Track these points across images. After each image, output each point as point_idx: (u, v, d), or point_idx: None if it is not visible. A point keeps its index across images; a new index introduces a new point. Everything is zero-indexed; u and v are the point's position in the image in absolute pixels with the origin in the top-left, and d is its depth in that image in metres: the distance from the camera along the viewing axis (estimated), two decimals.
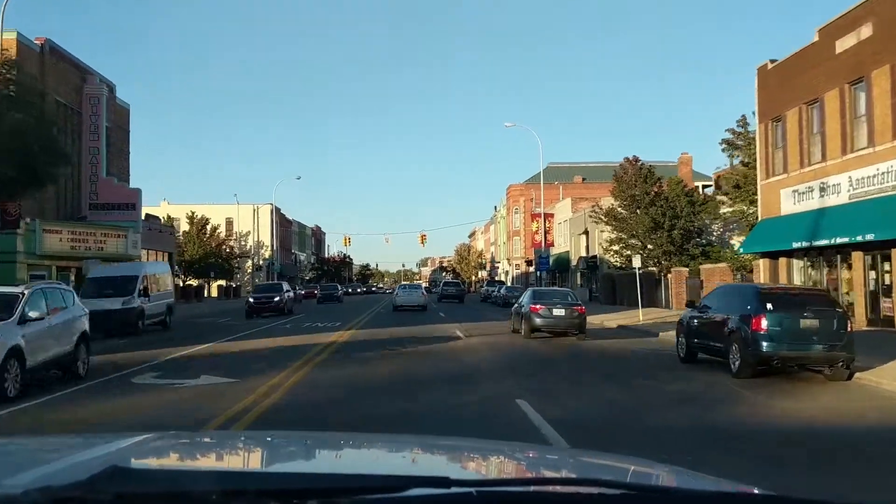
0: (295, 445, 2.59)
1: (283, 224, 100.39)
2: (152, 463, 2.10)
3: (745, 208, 31.96)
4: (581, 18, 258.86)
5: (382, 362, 16.07)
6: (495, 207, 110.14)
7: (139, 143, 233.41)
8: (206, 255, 75.26)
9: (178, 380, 13.19)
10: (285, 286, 40.16)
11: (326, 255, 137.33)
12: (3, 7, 23.22)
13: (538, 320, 21.45)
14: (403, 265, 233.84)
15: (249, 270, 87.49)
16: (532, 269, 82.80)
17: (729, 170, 34.86)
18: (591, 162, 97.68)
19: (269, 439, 2.87)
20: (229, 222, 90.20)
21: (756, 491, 1.69)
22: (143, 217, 45.80)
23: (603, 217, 47.08)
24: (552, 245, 57.36)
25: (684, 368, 15.42)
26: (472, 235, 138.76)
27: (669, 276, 41.11)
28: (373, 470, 2.08)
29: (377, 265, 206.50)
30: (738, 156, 33.36)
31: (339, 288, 67.99)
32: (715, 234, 45.78)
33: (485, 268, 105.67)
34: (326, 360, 16.43)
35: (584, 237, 58.80)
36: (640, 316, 28.90)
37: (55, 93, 35.85)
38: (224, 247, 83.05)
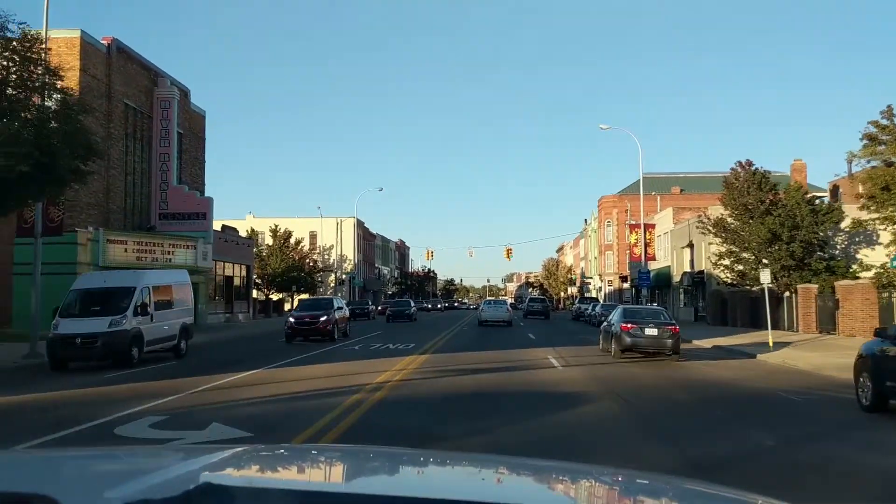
0: (381, 463, 2.53)
1: (366, 237, 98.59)
2: (243, 479, 2.10)
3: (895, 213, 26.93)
4: (669, 29, 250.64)
5: (455, 421, 10.89)
6: (585, 221, 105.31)
7: (226, 156, 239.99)
8: (288, 268, 73.70)
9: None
10: (337, 302, 31.93)
11: (410, 270, 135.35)
12: (47, 2, 20.94)
13: (629, 339, 20.50)
14: (488, 280, 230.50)
15: (332, 284, 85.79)
16: (626, 285, 77.78)
17: (868, 170, 29.75)
18: (689, 172, 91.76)
19: (358, 456, 2.81)
20: (313, 236, 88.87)
21: None
22: (216, 227, 43.93)
23: (711, 228, 42.33)
24: (653, 259, 52.53)
25: (873, 421, 11.19)
26: (559, 250, 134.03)
27: (792, 294, 36.02)
28: (461, 494, 2.01)
29: (461, 280, 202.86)
30: (876, 157, 28.40)
31: (412, 304, 57.22)
32: (839, 246, 40.35)
33: (574, 284, 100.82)
34: (371, 412, 11.42)
35: (687, 251, 53.75)
36: (770, 339, 24.25)
37: (122, 96, 34.11)
38: (307, 260, 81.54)
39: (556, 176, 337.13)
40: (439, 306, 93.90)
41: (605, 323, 24.45)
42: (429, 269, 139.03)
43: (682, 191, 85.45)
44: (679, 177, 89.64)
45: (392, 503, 1.55)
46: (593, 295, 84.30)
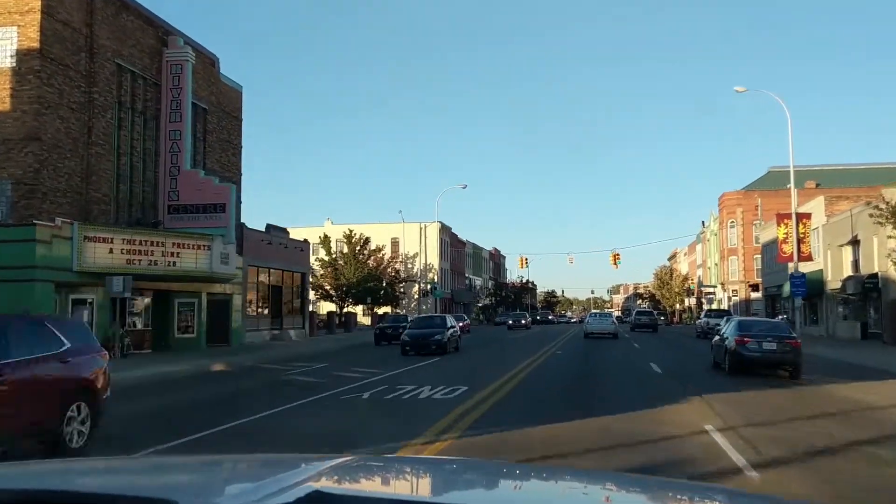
0: (485, 476, 2.55)
1: (454, 244, 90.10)
2: (350, 488, 2.15)
3: None
4: (802, 22, 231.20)
5: None
6: (703, 223, 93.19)
7: (304, 158, 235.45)
8: (364, 278, 66.00)
9: None
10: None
11: (506, 281, 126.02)
12: None
13: (745, 355, 18.95)
14: (592, 292, 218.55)
15: (416, 296, 77.74)
16: (757, 294, 65.86)
17: None
18: (826, 165, 78.53)
19: (464, 468, 2.84)
20: (395, 243, 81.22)
21: None
22: (259, 227, 36.25)
23: (891, 216, 31.53)
24: (808, 259, 41.42)
25: None
26: (672, 258, 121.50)
27: None
28: None
29: (563, 292, 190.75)
30: None
31: (449, 323, 31.50)
32: None
33: (692, 294, 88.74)
34: None
35: (848, 249, 42.29)
36: None
37: (114, 54, 26.68)
38: (388, 269, 73.77)
39: (668, 174, 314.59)
40: (524, 321, 64.33)
41: (716, 337, 22.49)
42: (526, 280, 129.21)
43: (818, 185, 72.74)
44: (814, 170, 76.63)
45: None
46: (717, 306, 72.42)
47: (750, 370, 18.89)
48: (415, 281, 72.59)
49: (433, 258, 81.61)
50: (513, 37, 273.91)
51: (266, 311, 38.62)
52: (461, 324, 44.93)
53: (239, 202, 31.96)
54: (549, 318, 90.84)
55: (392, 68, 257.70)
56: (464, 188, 61.84)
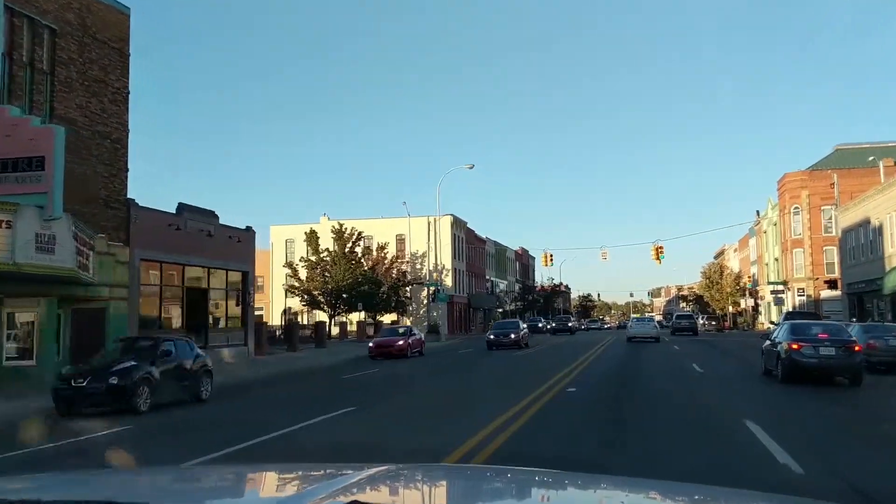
0: (521, 484, 2.60)
1: (471, 242, 79.31)
2: (388, 499, 2.19)
3: None
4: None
5: None
6: (757, 213, 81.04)
7: (299, 153, 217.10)
8: (359, 281, 55.66)
9: None
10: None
11: (536, 284, 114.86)
12: None
13: (800, 361, 17.02)
14: (632, 295, 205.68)
15: (426, 301, 67.22)
16: (835, 292, 53.96)
17: None
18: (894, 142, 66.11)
19: (498, 476, 2.89)
20: (400, 240, 70.80)
21: None
22: (126, 195, 26.13)
23: None
24: None
25: None
26: (719, 255, 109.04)
27: None
28: None
29: (598, 295, 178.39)
30: None
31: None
32: None
33: (747, 294, 76.60)
34: None
35: None
36: None
37: None
38: (393, 270, 63.42)
39: (714, 160, 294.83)
40: (515, 335, 39.19)
41: (766, 343, 20.06)
42: (558, 283, 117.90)
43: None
44: (887, 147, 64.30)
45: None
46: (787, 307, 60.35)
47: (805, 378, 17.14)
48: (423, 284, 61.87)
49: (445, 257, 70.94)
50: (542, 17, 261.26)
51: (180, 325, 28.35)
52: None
53: (124, 169, 21.62)
54: (569, 324, 70.61)
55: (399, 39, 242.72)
56: (470, 168, 51.04)
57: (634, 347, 36.31)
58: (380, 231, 71.02)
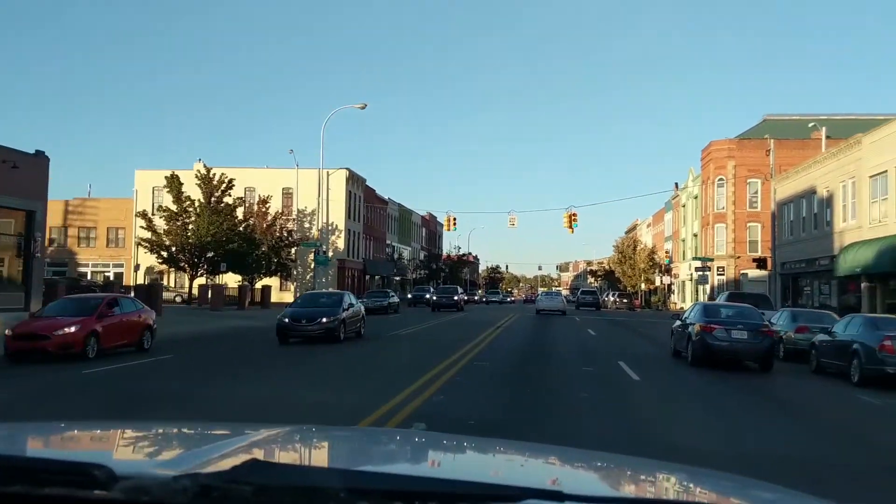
0: (418, 446, 2.63)
1: (370, 201, 71.50)
2: (289, 457, 2.18)
3: None
4: None
5: None
6: (676, 186, 76.35)
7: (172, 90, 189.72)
8: (227, 238, 47.26)
9: None
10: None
11: (444, 253, 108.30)
12: None
13: (712, 344, 16.54)
14: (540, 268, 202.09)
15: (313, 265, 59.30)
16: (763, 272, 49.10)
17: None
18: (833, 114, 62.04)
19: (397, 438, 3.07)
20: (287, 195, 62.44)
21: None
22: None
23: None
24: None
25: None
26: (631, 231, 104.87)
27: None
28: (493, 476, 2.11)
29: (507, 267, 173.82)
30: None
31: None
32: None
33: (663, 270, 71.84)
34: None
35: None
36: None
37: None
38: (276, 228, 55.33)
39: (634, 128, 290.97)
40: (323, 319, 21.99)
41: (676, 323, 19.65)
42: (465, 252, 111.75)
43: (828, 137, 56.42)
44: (818, 118, 60.12)
45: (432, 484, 1.59)
46: (703, 288, 55.37)
47: (714, 361, 16.67)
48: (302, 244, 53.82)
49: (337, 216, 63.02)
50: None
51: None
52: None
53: None
54: (455, 298, 52.20)
55: None
56: (362, 108, 43.09)
57: (542, 328, 29.93)
58: (264, 183, 62.46)
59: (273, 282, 58.97)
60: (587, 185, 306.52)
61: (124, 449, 2.22)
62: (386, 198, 77.74)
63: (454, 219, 54.07)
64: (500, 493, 1.47)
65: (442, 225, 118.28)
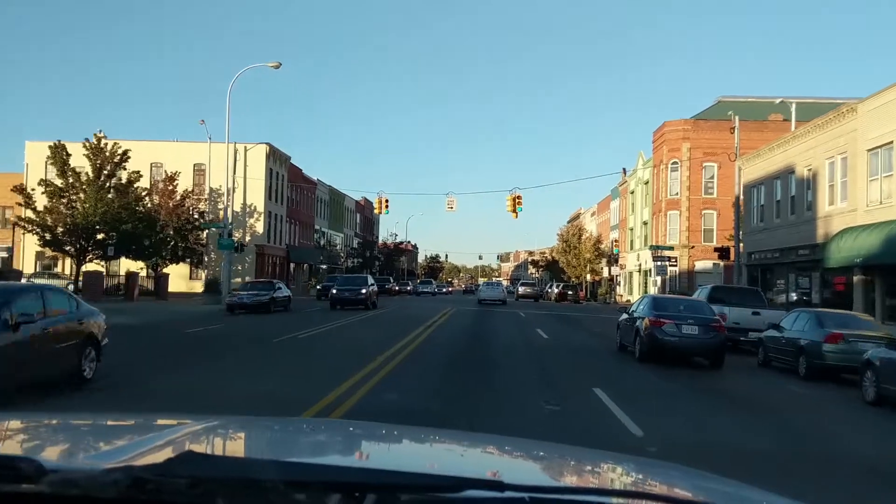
0: (358, 437, 2.58)
1: (296, 181, 65.20)
2: (225, 448, 2.15)
3: None
4: None
5: None
6: (624, 171, 72.24)
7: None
8: (120, 218, 40.68)
9: None
10: None
11: (381, 240, 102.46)
12: None
13: (662, 339, 15.84)
14: (480, 258, 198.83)
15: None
16: (728, 262, 44.83)
17: None
18: (794, 97, 58.28)
19: (333, 429, 2.95)
20: (200, 172, 55.82)
21: None
22: None
23: None
24: None
25: None
26: (574, 220, 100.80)
27: None
28: (434, 468, 2.08)
29: (447, 257, 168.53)
30: None
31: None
32: None
33: (611, 261, 67.51)
34: None
35: None
36: None
37: None
38: (185, 208, 49.03)
39: (579, 112, 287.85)
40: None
41: (623, 316, 18.91)
42: (401, 241, 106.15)
43: (784, 119, 52.83)
44: (769, 101, 56.45)
45: (372, 475, 1.55)
46: (663, 280, 51.00)
47: (664, 357, 15.99)
48: (205, 225, 47.48)
49: (256, 196, 56.70)
50: None
51: None
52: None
53: None
54: (363, 291, 36.56)
55: None
56: (276, 67, 37.00)
57: (482, 331, 24.71)
58: (174, 158, 55.67)
59: (181, 269, 52.51)
60: (531, 173, 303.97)
61: (55, 442, 2.10)
62: (314, 179, 71.50)
63: (386, 200, 48.30)
64: (440, 483, 1.46)
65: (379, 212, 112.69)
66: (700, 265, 53.42)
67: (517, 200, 44.32)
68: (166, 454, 1.48)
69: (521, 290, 66.20)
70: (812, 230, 28.48)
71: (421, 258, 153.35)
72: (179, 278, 52.42)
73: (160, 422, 2.45)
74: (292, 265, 63.21)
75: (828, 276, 27.41)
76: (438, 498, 1.37)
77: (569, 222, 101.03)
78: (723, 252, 40.00)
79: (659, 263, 43.14)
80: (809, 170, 29.29)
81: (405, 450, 2.45)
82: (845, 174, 26.25)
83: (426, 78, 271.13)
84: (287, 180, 62.69)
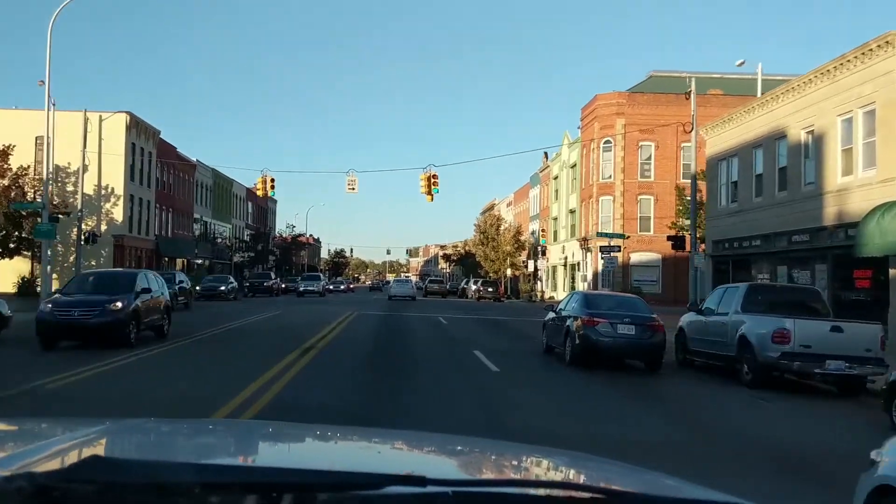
0: (273, 437, 2.47)
1: (167, 160, 55.23)
2: (132, 452, 2.06)
3: None
4: None
5: None
6: (545, 156, 65.68)
7: None
8: None
9: None
10: None
11: (279, 233, 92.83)
12: None
13: (597, 340, 14.43)
14: (389, 252, 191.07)
15: (76, 241, 42.91)
16: (654, 255, 38.26)
17: None
18: (731, 73, 53.10)
19: (247, 429, 2.89)
20: (42, 147, 45.47)
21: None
22: None
23: None
24: None
25: None
26: (487, 211, 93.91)
27: None
28: (353, 465, 2.04)
29: (352, 251, 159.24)
30: None
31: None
32: None
33: (541, 253, 60.37)
34: None
35: None
36: None
37: None
38: (18, 188, 39.27)
39: (492, 92, 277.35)
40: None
41: (550, 315, 17.48)
42: (301, 232, 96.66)
43: (724, 93, 47.35)
44: (710, 78, 50.97)
45: (291, 475, 1.48)
46: (584, 279, 44.29)
47: (597, 360, 14.67)
48: (29, 206, 37.49)
49: (113, 177, 46.78)
50: None
51: None
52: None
53: None
54: (102, 311, 15.64)
55: None
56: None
57: (391, 354, 16.57)
58: (10, 129, 45.11)
59: (17, 265, 42.26)
60: (445, 157, 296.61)
61: None
62: (193, 160, 61.62)
63: (272, 179, 39.41)
64: (362, 480, 1.41)
65: (276, 201, 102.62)
66: (637, 257, 47.25)
67: (432, 180, 36.63)
68: (71, 459, 1.37)
69: (429, 286, 68.96)
70: (815, 209, 21.94)
71: (326, 253, 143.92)
72: (13, 274, 42.18)
73: (68, 422, 2.35)
74: (165, 260, 53.35)
75: (842, 270, 20.89)
76: (359, 496, 1.31)
77: (482, 214, 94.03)
78: (676, 241, 33.44)
79: (607, 256, 36.15)
80: (810, 132, 22.73)
81: (324, 448, 2.37)
82: (872, 132, 19.69)
83: (326, 54, 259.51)
84: (156, 159, 52.82)
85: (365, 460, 2.17)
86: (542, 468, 2.14)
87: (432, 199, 37.10)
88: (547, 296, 57.07)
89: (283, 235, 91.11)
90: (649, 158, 47.73)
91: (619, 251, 35.77)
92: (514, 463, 2.21)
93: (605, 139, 48.14)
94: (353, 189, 38.41)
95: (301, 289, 58.00)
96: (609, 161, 48.04)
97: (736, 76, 50.71)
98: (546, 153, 65.28)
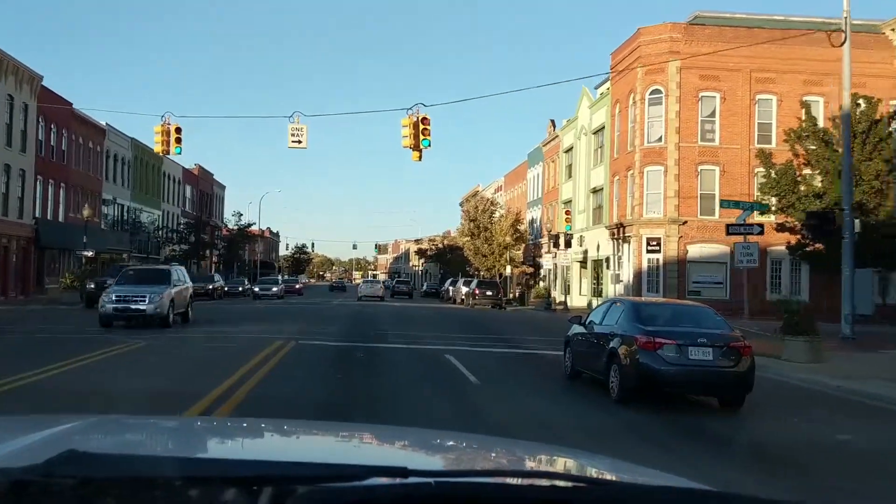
0: (254, 432, 2.52)
1: (53, 116, 41.03)
2: (109, 446, 2.03)
3: None
4: None
5: None
6: (552, 124, 52.80)
7: None
8: None
9: None
10: None
11: (224, 224, 78.82)
12: None
13: (660, 369, 9.96)
14: (355, 247, 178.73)
15: None
16: (848, 236, 25.01)
17: None
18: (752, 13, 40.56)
19: (227, 425, 2.96)
20: None
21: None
22: None
23: None
24: None
25: None
26: (470, 199, 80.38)
27: None
28: (334, 458, 2.05)
29: (313, 246, 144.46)
30: None
31: None
32: None
33: (565, 244, 46.66)
34: None
35: None
36: None
37: None
38: None
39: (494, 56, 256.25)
40: None
41: (576, 329, 12.76)
42: (250, 223, 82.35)
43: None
44: (752, 17, 38.55)
45: (273, 468, 1.45)
46: (625, 273, 31.45)
47: (656, 395, 10.34)
48: None
49: None
50: None
51: None
52: None
53: None
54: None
55: None
56: None
57: None
58: None
59: None
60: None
61: None
62: (102, 124, 47.48)
63: (177, 129, 25.76)
64: (344, 472, 1.41)
65: (224, 186, 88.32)
66: (695, 251, 34.55)
67: (421, 127, 23.47)
68: (48, 454, 1.32)
69: (395, 286, 67.22)
70: None
71: (284, 249, 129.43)
72: None
73: (44, 417, 2.31)
74: (41, 252, 39.20)
75: None
76: (341, 488, 1.29)
77: (460, 205, 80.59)
78: (822, 221, 20.68)
79: (743, 244, 22.12)
80: None
81: (305, 442, 2.34)
82: None
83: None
84: (38, 116, 38.75)
85: (346, 453, 2.16)
86: (523, 459, 2.15)
87: (420, 158, 24.23)
88: (557, 300, 44.32)
89: (228, 226, 77.04)
90: (712, 115, 35.04)
91: (761, 232, 22.36)
92: (495, 455, 2.22)
93: (653, 88, 35.26)
94: (300, 142, 24.98)
95: (258, 292, 49.38)
96: (658, 119, 35.19)
97: (798, 18, 38.36)
98: (553, 121, 52.38)
